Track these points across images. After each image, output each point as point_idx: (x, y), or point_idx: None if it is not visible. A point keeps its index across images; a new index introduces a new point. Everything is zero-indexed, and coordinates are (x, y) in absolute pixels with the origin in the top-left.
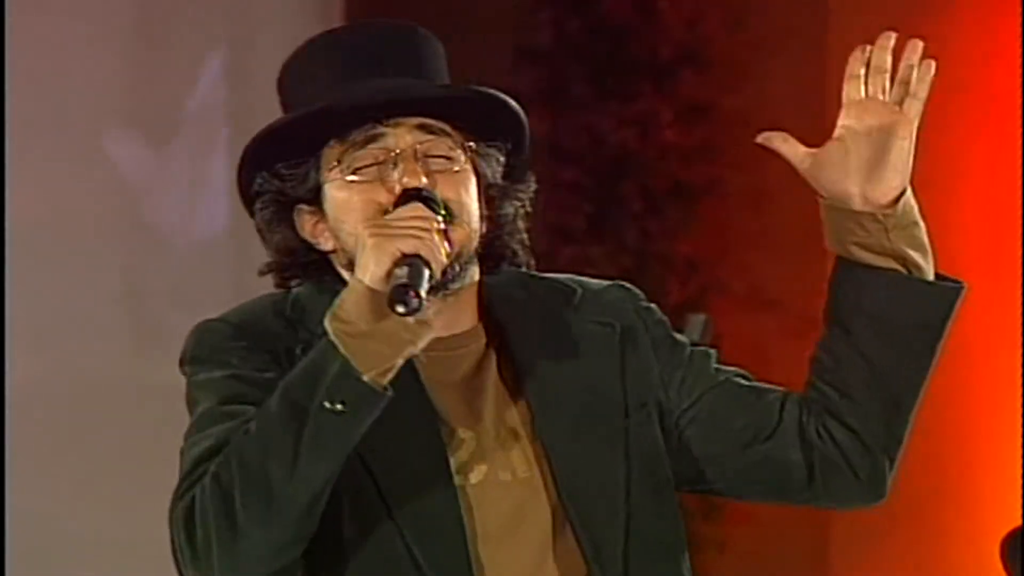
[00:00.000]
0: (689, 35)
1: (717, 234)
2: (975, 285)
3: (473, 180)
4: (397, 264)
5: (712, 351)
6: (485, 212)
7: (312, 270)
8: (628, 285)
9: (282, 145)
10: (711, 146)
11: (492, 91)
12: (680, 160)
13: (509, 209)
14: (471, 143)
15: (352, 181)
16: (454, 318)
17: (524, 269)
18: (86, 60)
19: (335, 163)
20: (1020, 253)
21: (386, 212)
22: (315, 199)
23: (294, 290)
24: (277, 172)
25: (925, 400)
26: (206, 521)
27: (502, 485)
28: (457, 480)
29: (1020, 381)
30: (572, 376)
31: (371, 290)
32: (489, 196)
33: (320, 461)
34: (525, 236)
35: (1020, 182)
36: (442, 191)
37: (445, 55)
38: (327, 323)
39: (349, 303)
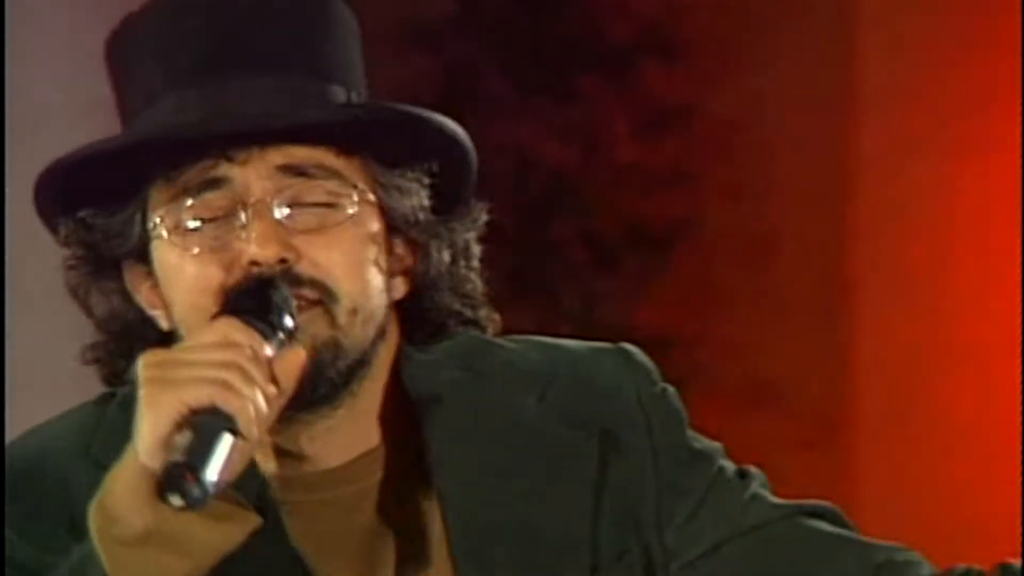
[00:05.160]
0: (654, 7)
1: (695, 298)
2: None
3: (368, 232)
4: (181, 426)
5: (755, 472)
6: (403, 265)
7: (140, 349)
8: (633, 352)
9: (87, 180)
10: (686, 169)
11: (399, 107)
12: (642, 189)
13: (443, 254)
14: (369, 178)
15: (185, 245)
16: (337, 443)
17: (479, 333)
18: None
19: (161, 213)
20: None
21: (228, 296)
22: (143, 256)
23: (117, 396)
24: (82, 220)
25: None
26: None
27: None
28: None
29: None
30: (517, 516)
31: (147, 468)
32: (410, 241)
33: None
34: (476, 286)
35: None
36: (312, 261)
37: (351, 21)
38: (91, 516)
39: (120, 489)
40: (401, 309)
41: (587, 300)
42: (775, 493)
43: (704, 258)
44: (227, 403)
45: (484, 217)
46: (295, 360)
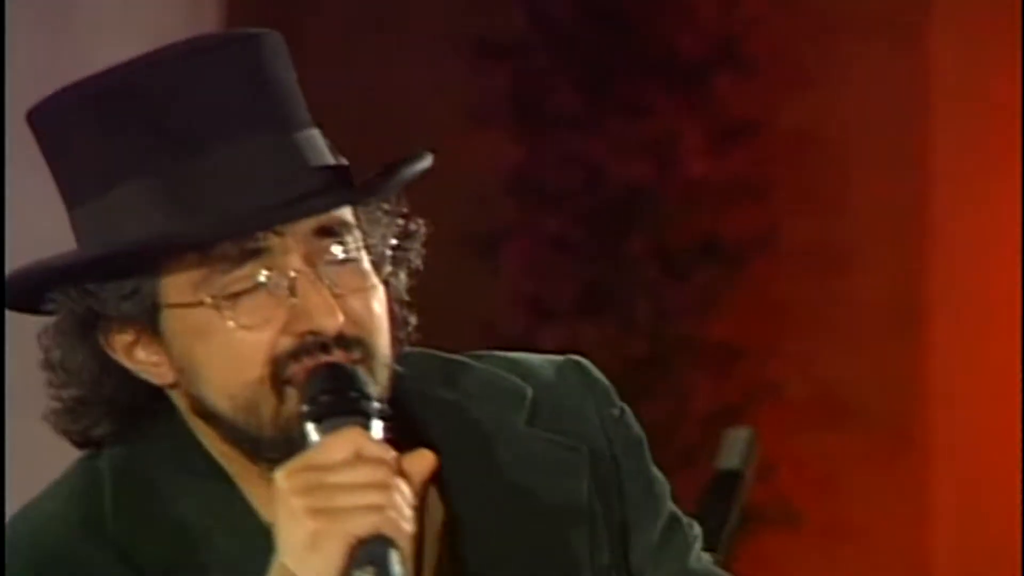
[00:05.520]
0: (725, 21)
1: (768, 312)
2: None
3: (376, 280)
4: (353, 557)
5: (697, 531)
6: None
7: (128, 411)
8: (586, 366)
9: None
10: (758, 183)
11: (413, 166)
12: (713, 203)
13: (403, 276)
14: (358, 219)
15: (231, 316)
16: None
17: (431, 350)
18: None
19: (195, 285)
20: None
21: (277, 365)
22: (141, 320)
23: (103, 462)
24: (83, 288)
25: None
26: None
27: None
28: None
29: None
30: (524, 536)
31: None
32: (382, 268)
33: None
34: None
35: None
36: (355, 318)
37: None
38: None
39: None
40: None
41: (659, 313)
42: (850, 507)
43: (776, 272)
44: (390, 528)
45: (424, 231)
46: (425, 465)
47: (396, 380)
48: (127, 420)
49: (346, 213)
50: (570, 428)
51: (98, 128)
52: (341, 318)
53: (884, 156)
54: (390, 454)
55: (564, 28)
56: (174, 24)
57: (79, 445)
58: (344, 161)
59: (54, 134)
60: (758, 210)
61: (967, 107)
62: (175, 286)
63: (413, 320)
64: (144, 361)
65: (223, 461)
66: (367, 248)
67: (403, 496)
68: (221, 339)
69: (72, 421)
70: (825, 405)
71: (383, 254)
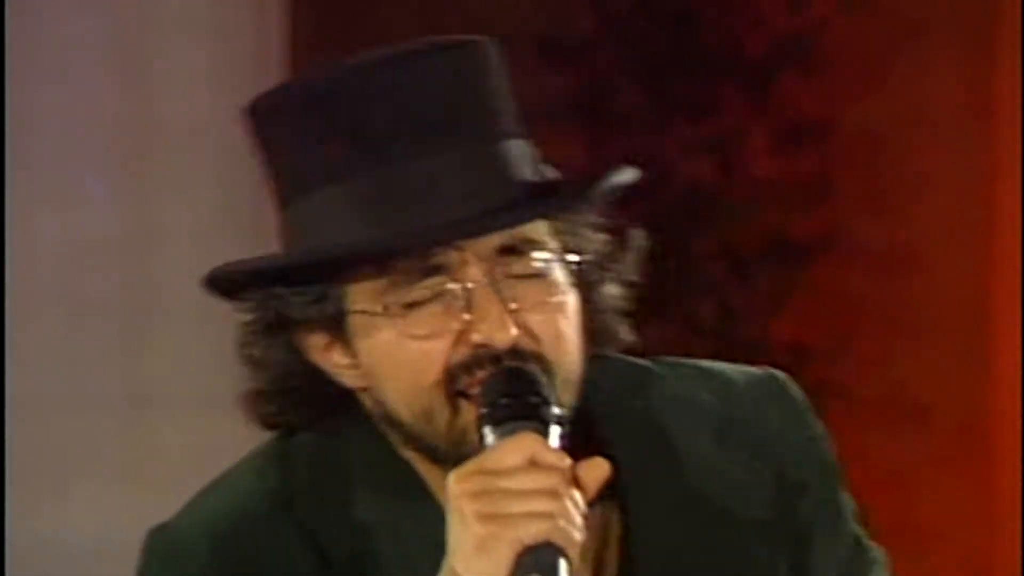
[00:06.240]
0: (792, 20)
1: (835, 312)
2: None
3: (573, 299)
4: (520, 564)
5: (875, 555)
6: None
7: (318, 405)
8: (785, 383)
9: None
10: (825, 182)
11: (604, 182)
12: (779, 203)
13: (611, 287)
14: (555, 233)
15: (407, 326)
16: None
17: (625, 356)
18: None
19: (377, 296)
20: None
21: (451, 375)
22: (331, 324)
23: (297, 447)
24: (272, 291)
25: None
26: None
27: None
28: None
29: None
30: (707, 551)
31: None
32: (583, 280)
33: None
34: (624, 303)
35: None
36: (533, 332)
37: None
38: None
39: None
40: None
41: (725, 314)
42: (919, 508)
43: (843, 272)
44: (560, 537)
45: (642, 241)
46: (599, 473)
47: (586, 389)
48: (321, 412)
49: (534, 229)
50: (760, 448)
51: (300, 131)
52: (514, 331)
53: (951, 156)
54: (565, 461)
55: (629, 27)
56: (238, 29)
57: (270, 428)
58: (550, 172)
59: (264, 134)
60: (824, 210)
61: None
62: (360, 293)
63: (624, 332)
64: (339, 364)
65: (412, 461)
66: (564, 261)
67: (575, 504)
68: (396, 347)
69: (264, 406)
70: (893, 405)
71: (583, 266)
